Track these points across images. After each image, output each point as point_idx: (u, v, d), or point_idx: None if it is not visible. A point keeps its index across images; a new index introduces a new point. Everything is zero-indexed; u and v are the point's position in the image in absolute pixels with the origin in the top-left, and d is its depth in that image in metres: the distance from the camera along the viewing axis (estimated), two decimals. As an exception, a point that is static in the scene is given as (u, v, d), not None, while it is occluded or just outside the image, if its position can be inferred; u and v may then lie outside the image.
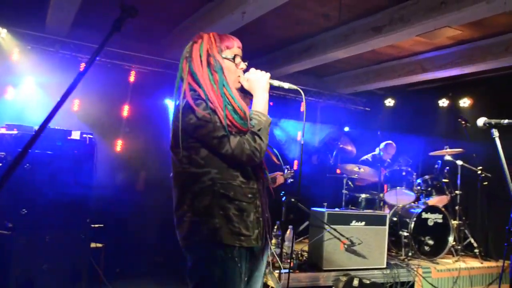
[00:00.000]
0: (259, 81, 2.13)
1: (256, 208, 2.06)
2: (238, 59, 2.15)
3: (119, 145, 6.59)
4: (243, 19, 5.04)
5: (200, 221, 1.97)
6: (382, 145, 7.00)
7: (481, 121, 2.73)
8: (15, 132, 3.80)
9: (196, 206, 1.99)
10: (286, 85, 2.26)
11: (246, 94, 2.20)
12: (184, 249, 2.04)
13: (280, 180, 3.89)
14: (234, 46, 2.15)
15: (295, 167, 8.07)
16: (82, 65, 6.20)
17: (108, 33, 1.60)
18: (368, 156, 7.06)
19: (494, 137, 2.62)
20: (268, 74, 2.17)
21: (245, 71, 2.20)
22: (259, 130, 2.01)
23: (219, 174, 1.99)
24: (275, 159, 2.31)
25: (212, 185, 1.98)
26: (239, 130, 1.97)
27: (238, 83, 2.16)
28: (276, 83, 2.22)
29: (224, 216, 1.97)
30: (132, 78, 6.70)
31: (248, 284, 2.14)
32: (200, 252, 1.99)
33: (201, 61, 2.06)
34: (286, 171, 4.18)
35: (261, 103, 2.11)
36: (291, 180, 4.31)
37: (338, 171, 7.15)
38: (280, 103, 7.79)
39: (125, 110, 6.65)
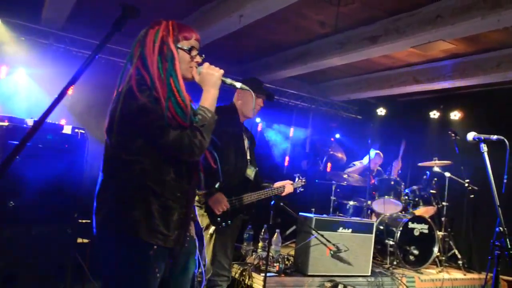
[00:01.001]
0: (211, 77, 2.07)
1: (181, 209, 1.99)
2: (194, 52, 2.08)
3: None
4: (240, 22, 5.06)
5: (121, 210, 1.89)
6: (371, 153, 7.06)
7: (470, 136, 2.77)
8: (6, 123, 3.78)
9: (119, 194, 1.90)
10: (238, 85, 2.23)
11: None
12: (98, 238, 1.94)
13: (289, 189, 3.82)
14: (192, 38, 2.09)
15: (286, 163, 8.13)
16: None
17: (109, 33, 1.61)
18: (357, 163, 7.10)
19: (483, 152, 2.66)
20: (221, 71, 2.11)
21: (200, 64, 2.12)
22: (202, 126, 1.95)
23: (151, 165, 1.91)
24: (212, 162, 2.26)
25: (141, 175, 1.90)
26: (180, 124, 1.90)
27: (189, 73, 2.09)
28: (229, 81, 2.18)
29: (146, 210, 1.88)
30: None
31: (173, 281, 2.08)
32: (114, 243, 1.90)
33: (153, 47, 1.98)
34: (296, 179, 4.10)
35: (208, 99, 2.05)
36: (302, 189, 4.22)
37: (328, 168, 7.21)
38: (272, 106, 7.82)
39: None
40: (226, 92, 2.77)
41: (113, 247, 1.90)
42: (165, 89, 1.92)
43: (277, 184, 3.80)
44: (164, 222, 1.91)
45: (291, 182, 3.90)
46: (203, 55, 2.15)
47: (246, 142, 3.70)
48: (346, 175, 6.40)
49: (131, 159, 1.90)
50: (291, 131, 8.41)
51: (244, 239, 5.08)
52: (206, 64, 2.11)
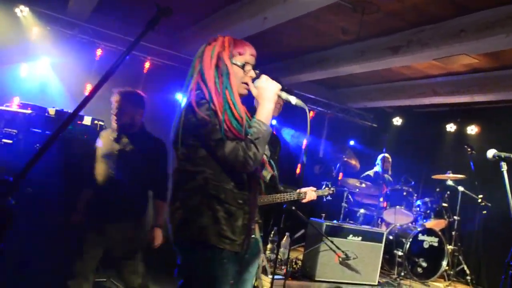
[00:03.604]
0: (267, 91, 2.11)
1: (244, 215, 2.05)
2: (248, 67, 2.13)
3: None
4: (263, 24, 5.08)
5: (189, 218, 1.99)
6: (378, 159, 7.06)
7: (490, 153, 2.75)
8: (29, 111, 3.84)
9: (187, 203, 2.01)
10: (294, 101, 2.23)
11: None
12: (174, 244, 2.06)
13: (311, 196, 3.61)
14: (247, 53, 2.13)
15: (298, 170, 8.12)
16: (98, 52, 6.26)
17: (143, 31, 1.65)
18: (370, 172, 7.09)
19: (503, 170, 2.64)
20: (279, 86, 2.14)
21: (255, 79, 2.17)
22: (256, 139, 1.99)
23: (213, 175, 2.00)
24: (270, 169, 2.31)
25: (204, 185, 1.99)
26: (235, 136, 1.97)
27: (244, 89, 2.14)
28: (284, 95, 2.20)
29: (213, 216, 1.97)
30: (146, 69, 6.76)
31: (236, 287, 2.15)
32: (187, 249, 2.02)
33: (210, 62, 2.07)
34: (324, 187, 3.99)
35: (264, 113, 2.08)
36: (329, 198, 4.10)
37: (340, 175, 7.18)
38: (288, 110, 7.82)
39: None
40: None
41: (189, 253, 2.03)
42: (221, 102, 1.99)
43: (300, 190, 3.64)
44: (230, 228, 2.00)
45: (314, 188, 3.72)
46: (258, 70, 2.19)
47: None
48: (359, 183, 6.39)
49: (195, 170, 2.02)
50: (306, 137, 8.40)
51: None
52: (264, 78, 2.15)
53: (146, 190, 3.34)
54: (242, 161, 1.96)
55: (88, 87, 6.26)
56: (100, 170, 3.28)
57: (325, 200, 4.45)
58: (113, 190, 3.18)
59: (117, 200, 3.15)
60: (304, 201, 3.57)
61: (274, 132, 3.71)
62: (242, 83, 2.13)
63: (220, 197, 2.00)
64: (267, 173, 3.56)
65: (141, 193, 3.30)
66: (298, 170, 8.19)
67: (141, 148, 3.26)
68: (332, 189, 3.97)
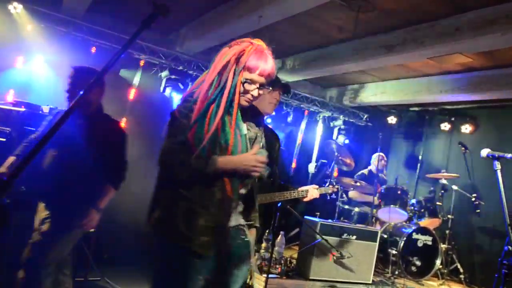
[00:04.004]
0: (248, 164, 2.03)
1: (208, 216, 1.98)
2: (251, 86, 2.06)
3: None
4: (259, 23, 5.07)
5: (157, 213, 2.01)
6: (373, 158, 7.08)
7: (484, 152, 2.77)
8: (22, 109, 3.82)
9: (157, 198, 2.04)
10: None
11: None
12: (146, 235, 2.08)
13: (313, 194, 3.44)
14: (256, 72, 2.05)
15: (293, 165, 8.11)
16: (93, 49, 6.23)
17: (138, 29, 1.63)
18: (365, 171, 7.11)
19: (496, 170, 2.66)
20: (262, 170, 2.10)
21: (255, 97, 2.11)
22: (197, 168, 1.92)
23: None
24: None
25: (175, 181, 2.00)
26: (190, 147, 1.93)
27: (244, 103, 2.11)
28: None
29: (176, 214, 1.96)
30: (140, 67, 6.73)
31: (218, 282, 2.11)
32: (155, 242, 2.04)
33: (216, 67, 2.05)
34: (327, 184, 3.82)
35: (227, 166, 1.99)
36: (333, 196, 3.95)
37: (335, 174, 7.18)
38: (283, 108, 7.84)
39: (131, 94, 6.69)
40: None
41: (156, 246, 2.04)
42: (201, 110, 1.97)
43: (301, 188, 3.50)
44: (189, 227, 1.95)
45: (316, 186, 3.56)
46: (270, 88, 2.19)
47: (261, 140, 3.49)
48: (353, 182, 6.40)
49: None
50: (300, 136, 8.42)
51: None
52: (260, 152, 2.09)
53: (95, 174, 3.10)
54: (169, 165, 1.96)
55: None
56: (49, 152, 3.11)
57: (328, 198, 4.41)
58: (55, 170, 3.03)
59: (57, 181, 3.00)
60: (305, 199, 3.43)
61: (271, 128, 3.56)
62: (242, 96, 2.08)
63: (186, 194, 1.97)
64: (264, 170, 3.43)
65: (85, 177, 3.06)
66: (293, 165, 8.21)
67: (92, 130, 3.05)
68: (336, 186, 3.85)
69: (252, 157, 2.04)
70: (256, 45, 2.09)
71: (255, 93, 2.09)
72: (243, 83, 2.05)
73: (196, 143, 1.94)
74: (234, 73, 2.03)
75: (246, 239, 2.20)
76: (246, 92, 2.08)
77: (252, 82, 2.06)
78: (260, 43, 2.12)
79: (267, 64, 2.07)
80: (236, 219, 2.14)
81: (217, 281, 2.09)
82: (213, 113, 1.98)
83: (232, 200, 2.07)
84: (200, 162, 1.93)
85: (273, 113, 3.39)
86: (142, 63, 6.72)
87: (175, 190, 1.99)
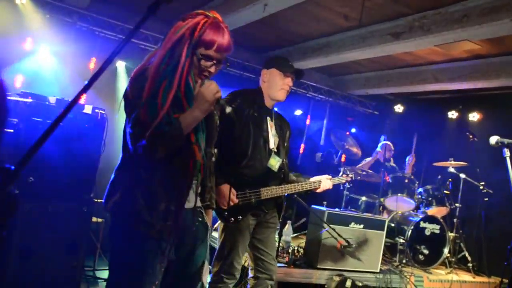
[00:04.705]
0: (202, 99, 1.91)
1: (170, 201, 1.93)
2: (207, 63, 1.97)
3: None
4: (264, 11, 5.04)
5: (116, 191, 1.95)
6: (379, 147, 7.06)
7: (493, 139, 2.74)
8: (29, 100, 3.81)
9: (118, 176, 1.99)
10: (228, 109, 2.20)
11: None
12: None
13: (326, 185, 3.33)
14: (212, 48, 1.95)
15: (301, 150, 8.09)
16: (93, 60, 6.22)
17: (143, 17, 1.61)
18: (372, 160, 7.09)
19: (505, 157, 2.63)
20: (218, 96, 1.93)
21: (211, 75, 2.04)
22: (163, 135, 1.83)
23: (144, 152, 1.89)
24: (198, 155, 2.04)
25: (136, 162, 1.93)
26: (146, 124, 1.83)
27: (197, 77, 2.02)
28: (222, 101, 2.11)
29: (133, 196, 1.90)
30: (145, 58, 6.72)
31: (180, 272, 2.10)
32: (113, 224, 2.00)
33: (169, 42, 1.95)
34: (340, 173, 3.72)
35: (188, 118, 1.89)
36: (348, 185, 3.79)
37: (342, 158, 7.15)
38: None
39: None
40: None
41: (112, 228, 2.01)
42: (153, 88, 1.85)
43: (314, 178, 3.36)
44: (148, 211, 1.90)
45: (330, 176, 3.42)
46: (227, 64, 2.05)
47: (272, 129, 3.24)
48: (360, 170, 6.38)
49: (132, 146, 1.93)
50: (308, 121, 8.40)
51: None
52: (206, 84, 1.94)
53: None
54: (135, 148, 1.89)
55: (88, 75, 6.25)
56: None
57: (342, 188, 4.31)
58: None
59: None
60: (318, 191, 3.32)
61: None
62: (198, 73, 1.99)
63: (146, 177, 1.91)
64: (275, 162, 3.21)
65: None
66: (301, 150, 8.20)
67: None
68: (350, 175, 3.71)
69: (203, 90, 1.91)
70: (212, 18, 1.97)
71: (212, 69, 2.00)
72: (199, 60, 1.95)
73: (150, 120, 1.82)
74: (188, 48, 1.91)
75: (204, 221, 2.17)
76: (202, 70, 1.99)
77: (208, 58, 1.96)
78: (216, 16, 2.00)
79: (224, 38, 1.96)
80: (195, 201, 2.06)
81: (177, 267, 2.07)
82: (165, 91, 1.86)
83: (191, 183, 2.01)
84: (172, 127, 1.84)
85: (283, 100, 3.25)
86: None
87: (135, 173, 1.92)
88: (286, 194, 3.32)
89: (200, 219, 2.15)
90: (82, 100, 5.19)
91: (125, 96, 1.94)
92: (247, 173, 3.07)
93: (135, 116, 1.85)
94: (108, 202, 1.97)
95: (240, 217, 3.05)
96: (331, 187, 3.37)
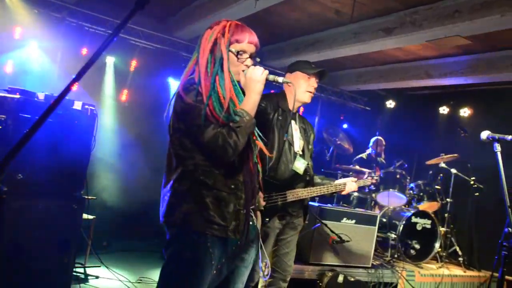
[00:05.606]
0: (252, 81, 2.05)
1: (237, 200, 2.05)
2: (244, 55, 2.12)
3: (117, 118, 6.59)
4: (255, 6, 5.01)
5: (177, 203, 2.01)
6: (371, 142, 7.07)
7: (484, 134, 2.74)
8: (17, 96, 3.76)
9: (176, 188, 2.03)
10: (281, 79, 2.17)
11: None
12: (163, 225, 2.09)
13: (351, 187, 3.32)
14: (245, 41, 2.11)
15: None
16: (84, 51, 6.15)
17: (130, 12, 1.58)
18: (363, 155, 7.10)
19: (496, 152, 2.63)
20: (265, 74, 2.07)
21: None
22: (238, 127, 1.95)
23: (204, 160, 2.01)
24: (267, 152, 2.19)
25: (194, 171, 2.01)
26: (217, 121, 1.96)
27: (238, 77, 2.12)
28: (271, 77, 2.12)
29: (200, 203, 1.98)
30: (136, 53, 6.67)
31: (233, 275, 2.14)
32: (173, 232, 2.05)
33: (206, 47, 2.08)
34: (366, 175, 3.70)
35: (248, 103, 2.04)
36: (373, 188, 3.81)
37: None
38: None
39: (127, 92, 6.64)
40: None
41: (174, 236, 2.05)
42: (208, 86, 1.99)
43: (339, 181, 3.38)
44: (219, 213, 2.00)
45: (355, 179, 3.44)
46: (258, 59, 2.19)
47: (296, 132, 3.30)
48: (352, 166, 6.39)
49: (185, 155, 2.03)
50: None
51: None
52: (251, 68, 2.10)
53: None
54: (221, 150, 1.94)
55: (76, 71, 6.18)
56: None
57: (367, 190, 4.32)
58: None
59: None
60: (343, 193, 3.34)
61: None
62: (237, 70, 2.11)
63: (209, 183, 2.00)
64: (301, 165, 3.23)
65: None
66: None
67: None
68: (375, 178, 3.73)
69: (250, 74, 2.06)
70: (234, 21, 2.16)
71: (248, 62, 2.14)
72: (236, 55, 2.10)
73: (219, 113, 1.96)
74: (225, 47, 2.07)
75: (254, 224, 2.21)
76: (240, 63, 2.12)
77: (243, 52, 2.12)
78: (235, 21, 2.19)
79: (252, 34, 2.16)
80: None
81: (230, 265, 2.12)
82: (221, 83, 2.02)
83: (253, 183, 2.12)
84: (241, 127, 1.96)
85: (309, 102, 3.29)
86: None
87: (197, 182, 2.00)
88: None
89: (250, 222, 2.17)
90: (71, 96, 5.15)
91: (180, 108, 2.01)
92: (273, 176, 3.11)
93: (201, 121, 1.94)
94: (175, 216, 2.01)
95: (267, 219, 3.08)
96: (356, 189, 3.40)
